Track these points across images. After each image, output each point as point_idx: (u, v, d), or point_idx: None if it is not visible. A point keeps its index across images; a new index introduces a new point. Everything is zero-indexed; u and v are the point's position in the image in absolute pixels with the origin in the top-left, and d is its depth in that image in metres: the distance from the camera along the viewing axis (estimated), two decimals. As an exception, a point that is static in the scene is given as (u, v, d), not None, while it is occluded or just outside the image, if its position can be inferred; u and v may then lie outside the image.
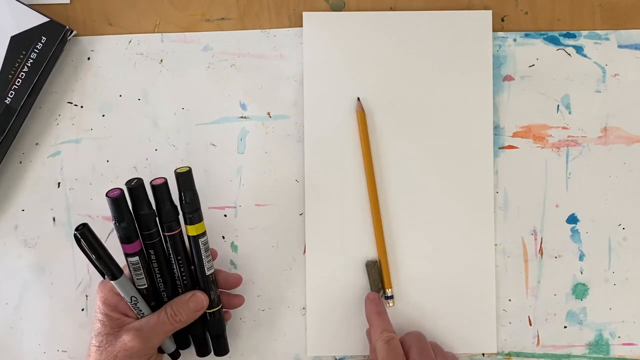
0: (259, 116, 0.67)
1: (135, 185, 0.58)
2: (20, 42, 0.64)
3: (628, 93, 0.67)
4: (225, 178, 0.66)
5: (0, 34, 0.64)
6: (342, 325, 0.66)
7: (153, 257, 0.60)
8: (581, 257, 0.67)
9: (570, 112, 0.67)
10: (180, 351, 0.64)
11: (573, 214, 0.67)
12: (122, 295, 0.59)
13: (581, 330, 0.66)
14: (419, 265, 0.66)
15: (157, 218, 0.59)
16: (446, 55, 0.66)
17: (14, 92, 0.64)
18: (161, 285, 0.61)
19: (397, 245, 0.66)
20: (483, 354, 0.66)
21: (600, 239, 0.67)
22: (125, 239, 0.58)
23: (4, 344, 0.66)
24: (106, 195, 0.57)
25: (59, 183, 0.66)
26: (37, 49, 0.64)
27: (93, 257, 0.57)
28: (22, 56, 0.64)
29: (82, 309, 0.66)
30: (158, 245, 0.60)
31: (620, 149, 0.67)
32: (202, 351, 0.63)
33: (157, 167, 0.66)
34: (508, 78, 0.67)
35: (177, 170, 0.58)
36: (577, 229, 0.67)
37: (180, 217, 0.60)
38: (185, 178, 0.58)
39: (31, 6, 0.64)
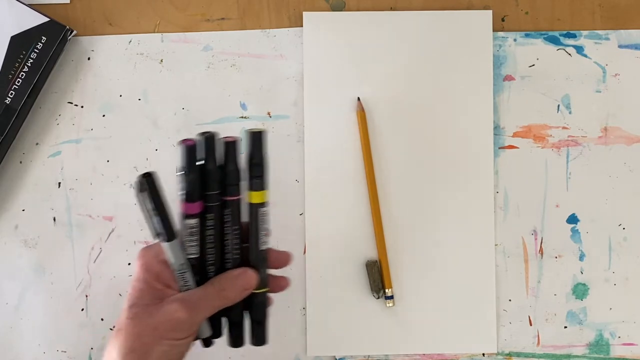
0: (259, 116, 0.67)
1: (210, 136, 0.52)
2: (20, 42, 0.64)
3: (628, 93, 0.67)
4: (225, 178, 0.66)
5: (0, 34, 0.64)
6: (342, 325, 0.66)
7: (210, 222, 0.53)
8: (581, 257, 0.67)
9: (570, 112, 0.67)
10: (213, 340, 0.57)
11: (573, 214, 0.67)
12: (172, 261, 0.52)
13: (581, 330, 0.66)
14: (419, 265, 0.66)
15: (221, 179, 0.53)
16: (446, 55, 0.66)
17: (14, 92, 0.64)
18: (210, 257, 0.54)
19: (397, 245, 0.66)
20: (483, 354, 0.66)
21: (601, 239, 0.67)
22: (189, 196, 0.52)
23: (4, 344, 0.66)
24: (180, 143, 0.51)
25: (59, 183, 0.66)
26: (37, 49, 0.64)
27: (154, 210, 0.50)
28: (22, 56, 0.64)
29: (82, 309, 0.66)
30: (217, 211, 0.53)
31: (621, 149, 0.67)
32: (236, 341, 0.56)
33: (158, 167, 0.66)
34: (508, 78, 0.67)
35: (250, 130, 0.53)
36: (577, 229, 0.67)
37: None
38: (257, 138, 0.53)
39: (31, 6, 0.64)
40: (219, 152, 0.53)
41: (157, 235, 0.52)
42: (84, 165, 0.66)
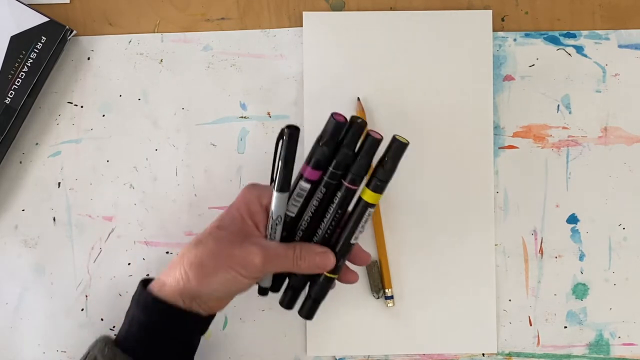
0: (259, 116, 0.67)
1: (362, 124, 0.55)
2: (20, 42, 0.64)
3: (628, 93, 0.67)
4: (225, 178, 0.66)
5: (0, 34, 0.64)
6: (342, 325, 0.66)
7: (319, 195, 0.56)
8: (581, 257, 0.67)
9: (570, 112, 0.67)
10: (268, 292, 0.60)
11: (573, 214, 0.67)
12: (272, 209, 0.56)
13: (581, 331, 0.66)
14: (419, 265, 0.66)
15: (350, 165, 0.56)
16: (446, 55, 0.66)
17: (14, 92, 0.64)
18: (304, 223, 0.57)
19: (397, 245, 0.66)
20: (483, 354, 0.66)
21: (601, 239, 0.67)
22: (315, 163, 0.55)
23: (4, 344, 0.66)
24: (332, 115, 0.54)
25: (59, 183, 0.66)
26: (37, 49, 0.64)
27: (282, 160, 0.54)
28: (22, 56, 0.64)
29: (82, 309, 0.66)
30: (331, 189, 0.56)
31: (621, 148, 0.67)
32: (288, 303, 0.60)
33: (157, 167, 0.66)
34: (508, 78, 0.67)
35: (398, 137, 0.55)
36: (577, 229, 0.67)
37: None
38: (400, 147, 0.55)
39: (31, 6, 0.64)
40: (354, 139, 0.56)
41: (273, 181, 0.56)
42: (84, 165, 0.66)
